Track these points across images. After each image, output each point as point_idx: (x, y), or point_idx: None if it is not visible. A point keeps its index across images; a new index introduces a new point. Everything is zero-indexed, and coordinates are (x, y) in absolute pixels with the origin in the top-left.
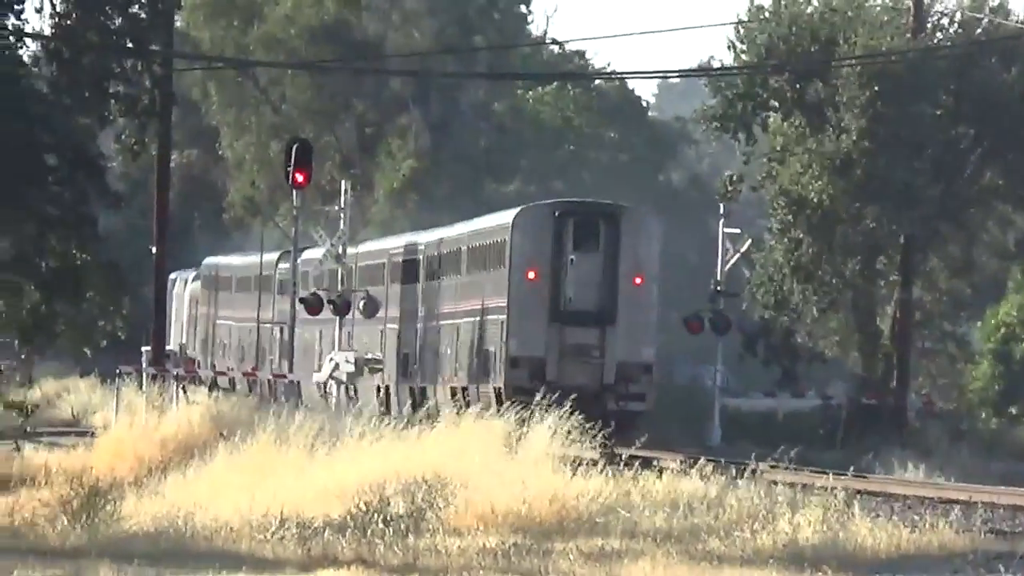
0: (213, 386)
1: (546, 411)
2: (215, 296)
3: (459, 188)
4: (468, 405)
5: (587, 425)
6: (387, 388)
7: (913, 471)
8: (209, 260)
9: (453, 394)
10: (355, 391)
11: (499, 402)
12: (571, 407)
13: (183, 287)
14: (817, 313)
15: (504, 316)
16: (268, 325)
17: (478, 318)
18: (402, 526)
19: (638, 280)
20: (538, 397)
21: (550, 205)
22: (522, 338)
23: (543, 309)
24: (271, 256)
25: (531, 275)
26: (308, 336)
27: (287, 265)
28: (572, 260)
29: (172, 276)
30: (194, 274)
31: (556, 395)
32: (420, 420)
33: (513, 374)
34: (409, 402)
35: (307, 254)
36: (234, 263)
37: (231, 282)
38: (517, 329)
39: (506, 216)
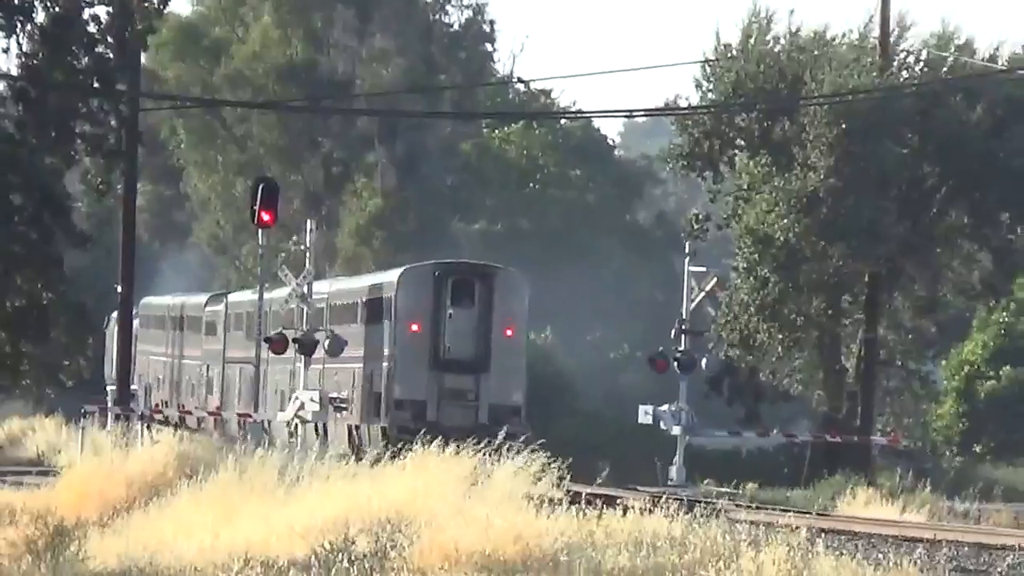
0: (151, 421)
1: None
2: (149, 334)
3: (425, 226)
4: (360, 442)
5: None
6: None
7: (877, 509)
8: (145, 300)
9: (350, 432)
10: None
11: (385, 440)
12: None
13: None
14: (782, 351)
15: (391, 363)
16: (196, 363)
17: (370, 364)
18: (366, 565)
19: (509, 332)
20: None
21: (431, 265)
22: (406, 383)
23: (424, 357)
24: (201, 298)
25: (414, 327)
26: (231, 374)
27: (213, 308)
28: (450, 314)
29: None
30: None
31: (436, 434)
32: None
33: (397, 415)
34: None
35: (234, 297)
36: (168, 303)
37: (164, 321)
38: (402, 375)
39: (392, 275)
